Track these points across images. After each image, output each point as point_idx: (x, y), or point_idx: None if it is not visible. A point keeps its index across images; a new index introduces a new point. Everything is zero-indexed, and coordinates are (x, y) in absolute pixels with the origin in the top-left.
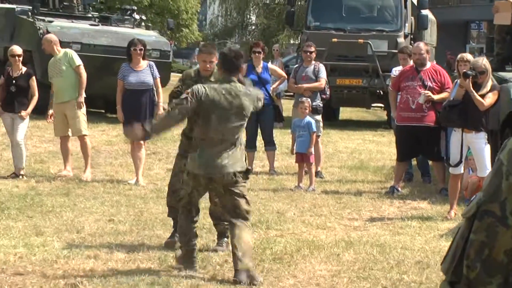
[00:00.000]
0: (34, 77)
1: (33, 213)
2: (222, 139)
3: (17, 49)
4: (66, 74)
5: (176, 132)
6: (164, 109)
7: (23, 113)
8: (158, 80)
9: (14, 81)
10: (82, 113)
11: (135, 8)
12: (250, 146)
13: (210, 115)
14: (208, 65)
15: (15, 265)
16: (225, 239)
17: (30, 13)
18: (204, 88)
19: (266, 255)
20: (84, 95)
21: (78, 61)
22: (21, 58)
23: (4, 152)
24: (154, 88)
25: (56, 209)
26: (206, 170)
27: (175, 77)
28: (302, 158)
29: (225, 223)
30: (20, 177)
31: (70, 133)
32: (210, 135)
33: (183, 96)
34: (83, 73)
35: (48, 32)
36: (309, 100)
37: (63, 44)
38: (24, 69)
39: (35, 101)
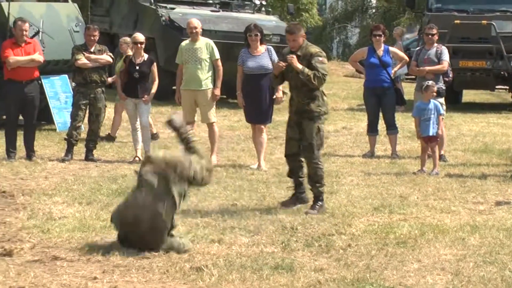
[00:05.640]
0: (155, 64)
1: None
2: None
3: (139, 37)
4: (205, 64)
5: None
6: (284, 93)
7: (146, 96)
8: None
9: (137, 67)
10: (213, 101)
11: None
12: (372, 130)
13: None
14: (291, 43)
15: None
16: (319, 202)
17: (152, 1)
18: None
19: (389, 239)
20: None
21: (217, 54)
22: (143, 46)
23: (129, 137)
24: None
25: None
26: None
27: None
28: (428, 141)
29: (318, 185)
30: None
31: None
32: None
33: None
34: (221, 66)
35: (170, 19)
36: (434, 83)
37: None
38: (146, 55)
39: (156, 86)
